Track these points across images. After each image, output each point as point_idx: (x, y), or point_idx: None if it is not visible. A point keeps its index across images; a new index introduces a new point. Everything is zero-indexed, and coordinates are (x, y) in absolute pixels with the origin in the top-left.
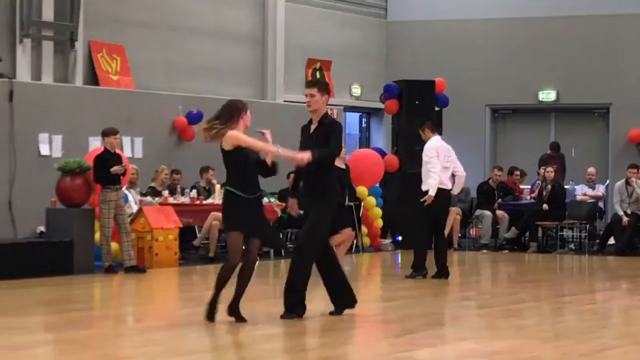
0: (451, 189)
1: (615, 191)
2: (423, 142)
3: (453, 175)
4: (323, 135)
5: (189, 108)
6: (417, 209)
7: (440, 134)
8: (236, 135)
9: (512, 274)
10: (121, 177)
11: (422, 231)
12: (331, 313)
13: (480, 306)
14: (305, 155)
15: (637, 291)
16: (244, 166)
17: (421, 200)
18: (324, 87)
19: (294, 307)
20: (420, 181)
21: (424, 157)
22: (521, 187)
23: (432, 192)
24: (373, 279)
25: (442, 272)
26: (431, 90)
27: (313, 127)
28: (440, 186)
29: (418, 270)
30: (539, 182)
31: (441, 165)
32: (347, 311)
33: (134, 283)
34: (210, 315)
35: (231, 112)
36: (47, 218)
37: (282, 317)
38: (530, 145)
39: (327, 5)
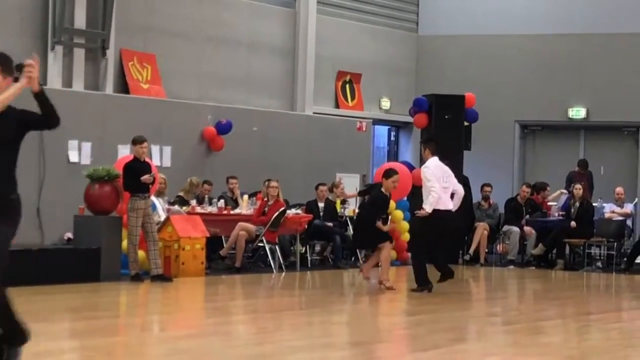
0: (452, 210)
1: None
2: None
3: (453, 195)
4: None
5: (218, 118)
6: (412, 225)
7: (437, 155)
8: None
9: (539, 290)
10: (150, 186)
11: (416, 247)
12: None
13: (506, 322)
14: None
15: None
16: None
17: (415, 212)
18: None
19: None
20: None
21: (423, 177)
22: (549, 204)
23: (429, 209)
24: (398, 293)
25: (447, 273)
26: (461, 105)
27: None
28: (441, 207)
29: (422, 284)
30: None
31: (440, 185)
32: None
33: (160, 292)
34: None
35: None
36: (75, 225)
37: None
38: (559, 162)
39: (359, 19)
